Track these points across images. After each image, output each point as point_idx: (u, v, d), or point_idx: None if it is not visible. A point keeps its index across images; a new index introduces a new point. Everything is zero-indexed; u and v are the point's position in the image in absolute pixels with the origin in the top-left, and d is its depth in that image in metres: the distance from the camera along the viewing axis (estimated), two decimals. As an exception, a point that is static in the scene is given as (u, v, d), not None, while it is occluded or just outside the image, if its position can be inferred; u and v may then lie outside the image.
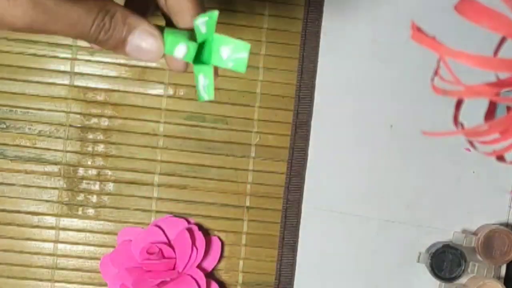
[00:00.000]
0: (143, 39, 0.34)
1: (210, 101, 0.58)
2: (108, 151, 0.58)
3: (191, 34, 0.35)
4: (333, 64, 0.59)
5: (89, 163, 0.58)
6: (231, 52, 0.34)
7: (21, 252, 0.57)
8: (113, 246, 0.57)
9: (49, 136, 0.57)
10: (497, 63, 0.35)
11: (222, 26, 0.58)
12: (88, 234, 0.58)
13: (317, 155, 0.59)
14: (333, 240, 0.60)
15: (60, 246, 0.57)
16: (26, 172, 0.57)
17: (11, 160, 0.57)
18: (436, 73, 0.44)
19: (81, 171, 0.58)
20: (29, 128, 0.57)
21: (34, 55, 0.57)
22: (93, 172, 0.58)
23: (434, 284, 0.59)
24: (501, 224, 0.60)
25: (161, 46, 0.35)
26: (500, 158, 0.49)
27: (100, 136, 0.58)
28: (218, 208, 0.59)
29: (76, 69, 0.57)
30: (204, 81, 0.35)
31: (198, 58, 0.35)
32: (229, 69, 0.34)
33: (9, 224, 0.57)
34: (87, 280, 0.58)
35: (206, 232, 0.58)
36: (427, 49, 0.36)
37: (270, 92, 0.59)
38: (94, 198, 0.58)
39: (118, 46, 0.35)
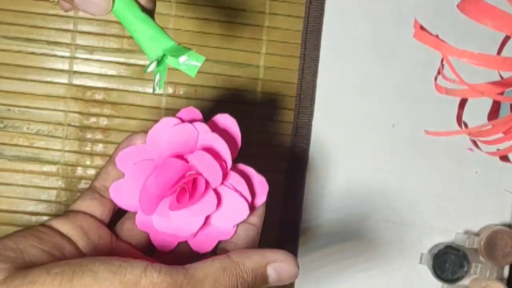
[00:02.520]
0: None
1: (208, 100, 0.58)
2: (107, 150, 0.57)
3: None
4: (335, 63, 0.59)
5: (88, 162, 0.57)
6: (187, 59, 0.38)
7: (19, 252, 0.57)
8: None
9: (48, 136, 0.57)
10: (500, 62, 0.35)
11: (222, 24, 0.58)
12: (86, 234, 0.57)
13: (318, 154, 0.59)
14: (334, 240, 0.59)
15: (58, 246, 0.57)
16: (24, 172, 0.57)
17: (9, 159, 0.56)
18: (439, 72, 0.43)
19: (79, 171, 0.57)
20: (27, 128, 0.57)
21: (33, 53, 0.56)
22: (92, 172, 0.57)
23: (436, 285, 0.59)
24: (504, 225, 0.59)
25: (109, 2, 0.36)
26: (504, 158, 0.49)
27: (99, 136, 0.57)
28: (218, 208, 0.58)
29: (75, 68, 0.57)
30: (158, 77, 0.38)
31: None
32: (180, 70, 0.39)
33: (7, 224, 0.57)
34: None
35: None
36: (430, 48, 0.36)
37: (271, 91, 0.59)
38: (92, 198, 0.57)
39: None
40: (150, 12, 0.39)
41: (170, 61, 0.38)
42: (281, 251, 0.37)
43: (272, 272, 0.36)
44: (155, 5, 0.40)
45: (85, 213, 0.41)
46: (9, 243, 0.35)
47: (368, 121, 0.59)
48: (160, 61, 0.38)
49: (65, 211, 0.41)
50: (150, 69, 0.38)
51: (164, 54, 0.38)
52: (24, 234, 0.36)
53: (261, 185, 0.42)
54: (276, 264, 0.36)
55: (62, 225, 0.39)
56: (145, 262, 0.32)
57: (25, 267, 0.33)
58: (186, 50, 0.38)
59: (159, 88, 0.39)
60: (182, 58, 0.38)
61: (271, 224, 0.59)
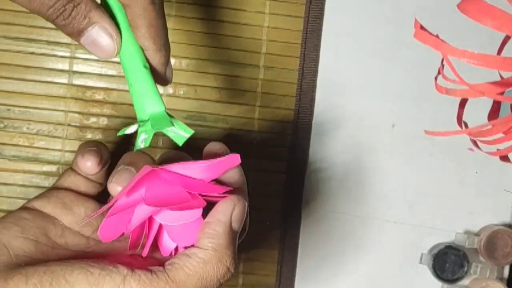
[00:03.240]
0: (100, 35, 0.34)
1: (208, 100, 0.58)
2: (107, 150, 0.57)
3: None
4: (335, 63, 0.59)
5: (88, 162, 0.57)
6: (175, 128, 0.37)
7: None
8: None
9: (48, 136, 0.57)
10: (500, 62, 0.35)
11: (222, 24, 0.58)
12: (86, 234, 0.57)
13: (318, 154, 0.59)
14: (334, 241, 0.59)
15: (58, 246, 0.57)
16: (24, 171, 0.57)
17: (9, 159, 0.56)
18: (439, 72, 0.43)
19: (79, 171, 0.57)
20: (27, 128, 0.57)
21: (33, 53, 0.56)
22: (92, 172, 0.57)
23: (436, 285, 0.59)
24: (504, 225, 0.59)
25: (115, 48, 0.35)
26: (504, 158, 0.49)
27: (99, 136, 0.57)
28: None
29: (75, 68, 0.57)
30: (144, 136, 0.37)
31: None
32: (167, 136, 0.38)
33: (7, 224, 0.56)
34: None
35: None
36: (430, 48, 0.36)
37: (271, 91, 0.59)
38: (92, 198, 0.57)
39: (73, 34, 0.35)
40: (158, 67, 0.38)
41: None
42: (221, 202, 0.36)
43: (236, 225, 0.36)
44: (165, 60, 0.38)
45: (67, 189, 0.41)
46: None
47: (368, 121, 0.59)
48: (144, 123, 0.37)
49: (47, 189, 0.41)
50: (129, 131, 0.37)
51: (149, 118, 0.36)
52: (5, 226, 0.36)
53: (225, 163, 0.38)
54: (233, 215, 0.36)
55: (44, 205, 0.39)
56: (125, 270, 0.32)
57: (10, 264, 0.33)
58: (172, 119, 0.37)
59: (144, 146, 0.37)
60: (170, 128, 0.37)
61: (272, 224, 0.59)
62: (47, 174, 0.57)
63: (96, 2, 0.34)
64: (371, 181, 0.60)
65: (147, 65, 0.37)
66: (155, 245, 0.39)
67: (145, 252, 0.38)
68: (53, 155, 0.57)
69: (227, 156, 0.38)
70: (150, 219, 0.38)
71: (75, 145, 0.57)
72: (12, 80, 0.56)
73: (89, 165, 0.40)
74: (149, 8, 0.35)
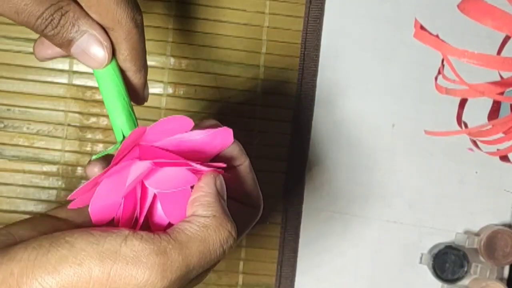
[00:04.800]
0: (90, 44, 0.34)
1: (208, 100, 0.58)
2: (107, 150, 0.57)
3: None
4: (335, 63, 0.59)
5: (88, 162, 0.57)
6: None
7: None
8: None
9: (48, 136, 0.57)
10: (500, 62, 0.35)
11: (222, 24, 0.58)
12: (86, 234, 0.57)
13: (318, 154, 0.59)
14: (334, 241, 0.59)
15: (58, 246, 0.57)
16: (24, 171, 0.57)
17: (9, 159, 0.56)
18: (439, 72, 0.44)
19: (79, 171, 0.57)
20: (27, 128, 0.57)
21: (33, 53, 0.56)
22: (92, 171, 0.57)
23: (436, 285, 0.59)
24: (504, 225, 0.59)
25: (106, 57, 0.34)
26: (504, 158, 0.49)
27: (99, 136, 0.57)
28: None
29: (75, 68, 0.57)
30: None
31: None
32: None
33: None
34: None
35: None
36: (430, 48, 0.36)
37: (271, 91, 0.59)
38: (92, 198, 0.57)
39: (63, 45, 0.34)
40: (136, 88, 0.38)
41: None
42: (202, 177, 0.36)
43: (223, 195, 0.36)
44: (143, 80, 0.38)
45: None
46: (0, 231, 0.34)
47: (368, 121, 0.59)
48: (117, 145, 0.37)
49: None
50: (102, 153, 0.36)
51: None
52: (17, 223, 0.36)
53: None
54: (217, 186, 0.36)
55: (58, 212, 0.39)
56: (126, 231, 0.32)
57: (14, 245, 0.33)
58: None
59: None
60: None
61: (272, 224, 0.59)
62: (47, 174, 0.57)
63: (85, 11, 0.33)
64: (371, 181, 0.60)
65: (124, 88, 0.36)
66: (147, 224, 0.39)
67: (137, 227, 0.38)
68: (53, 155, 0.57)
69: (220, 128, 0.37)
70: (143, 193, 0.37)
71: (75, 145, 0.57)
72: (12, 80, 0.56)
73: (96, 170, 0.40)
74: (133, 31, 0.35)
